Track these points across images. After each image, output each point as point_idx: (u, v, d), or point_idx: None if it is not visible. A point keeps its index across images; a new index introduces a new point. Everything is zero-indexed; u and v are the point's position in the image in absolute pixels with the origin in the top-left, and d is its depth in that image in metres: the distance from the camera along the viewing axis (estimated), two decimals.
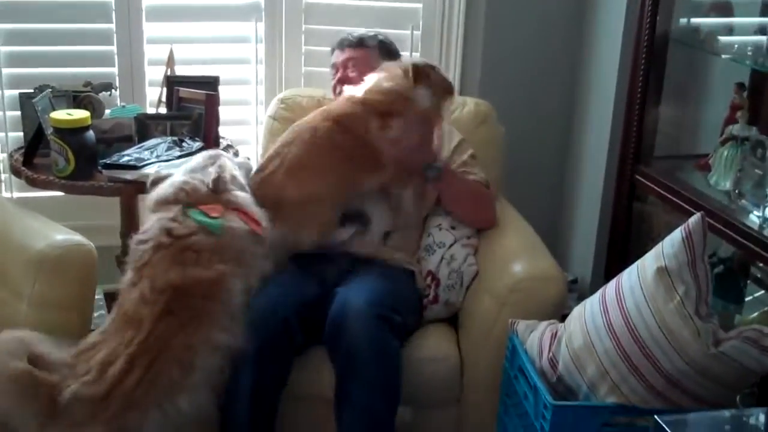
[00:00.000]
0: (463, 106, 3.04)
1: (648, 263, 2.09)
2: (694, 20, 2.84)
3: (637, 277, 2.10)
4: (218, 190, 2.39)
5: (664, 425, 1.68)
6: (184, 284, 2.21)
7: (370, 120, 2.55)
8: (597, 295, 2.21)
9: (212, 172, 2.42)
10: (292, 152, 2.55)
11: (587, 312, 2.19)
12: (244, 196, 2.45)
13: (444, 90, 2.65)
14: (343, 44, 2.92)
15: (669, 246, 2.06)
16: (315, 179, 2.54)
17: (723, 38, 2.74)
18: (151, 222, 2.36)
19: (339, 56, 2.92)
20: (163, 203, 2.38)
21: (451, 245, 2.63)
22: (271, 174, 2.56)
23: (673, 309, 2.00)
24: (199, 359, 2.20)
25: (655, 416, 1.72)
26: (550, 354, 2.22)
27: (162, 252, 2.26)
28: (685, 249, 2.02)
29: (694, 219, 2.04)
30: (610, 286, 2.19)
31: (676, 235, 2.06)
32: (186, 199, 2.37)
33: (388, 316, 2.34)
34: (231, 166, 2.50)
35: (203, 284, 2.23)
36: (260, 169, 2.60)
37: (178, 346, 2.17)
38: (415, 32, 3.27)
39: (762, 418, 1.83)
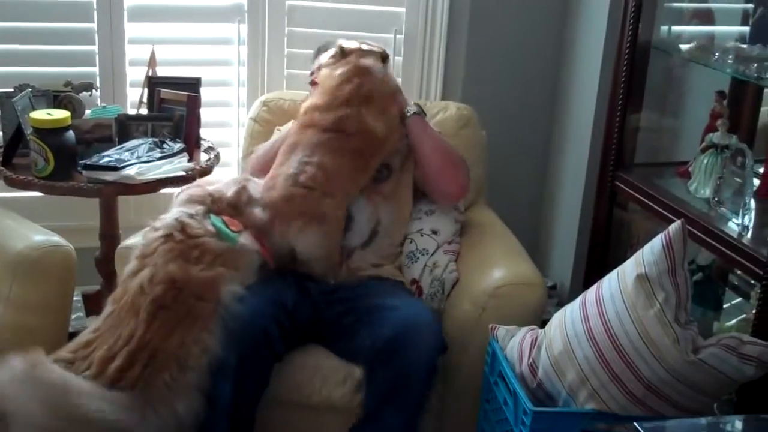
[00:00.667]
0: (446, 110, 3.05)
1: (628, 270, 2.10)
2: (676, 28, 2.86)
3: (617, 284, 2.10)
4: (239, 203, 2.43)
5: None
6: (182, 279, 2.22)
7: (361, 111, 2.57)
8: (577, 302, 2.22)
9: (234, 188, 2.46)
10: (325, 162, 2.51)
11: (567, 318, 2.20)
12: (263, 221, 2.46)
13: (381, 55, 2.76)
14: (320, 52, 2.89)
15: (649, 253, 2.07)
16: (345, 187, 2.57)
17: (704, 46, 2.75)
18: (170, 213, 2.38)
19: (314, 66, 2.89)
20: (190, 201, 2.41)
21: (433, 252, 2.64)
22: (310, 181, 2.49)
23: (652, 316, 2.00)
24: (192, 359, 2.19)
25: (635, 423, 1.72)
26: (530, 360, 2.22)
27: (170, 244, 2.28)
28: (665, 256, 2.03)
29: (675, 226, 2.05)
30: (590, 293, 2.19)
31: (657, 242, 2.06)
32: (210, 204, 2.40)
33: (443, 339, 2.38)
34: (256, 191, 2.51)
35: (199, 283, 2.24)
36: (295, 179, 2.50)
37: (174, 344, 2.17)
38: (398, 36, 3.27)
39: (739, 425, 1.85)
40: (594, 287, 2.20)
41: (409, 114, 2.69)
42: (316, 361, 2.43)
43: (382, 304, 2.43)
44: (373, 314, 2.39)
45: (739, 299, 2.70)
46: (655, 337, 1.99)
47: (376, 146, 2.60)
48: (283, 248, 2.49)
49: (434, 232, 2.68)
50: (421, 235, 2.67)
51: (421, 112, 2.72)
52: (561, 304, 2.75)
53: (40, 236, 2.44)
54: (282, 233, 2.47)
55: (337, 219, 2.53)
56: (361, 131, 2.56)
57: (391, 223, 2.68)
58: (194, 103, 2.98)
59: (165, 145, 2.84)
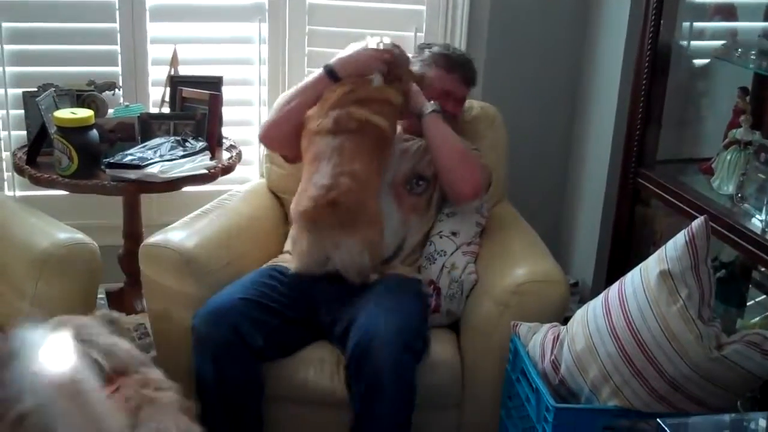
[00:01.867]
0: (470, 110, 3.03)
1: (651, 266, 2.09)
2: (698, 24, 2.85)
3: (640, 280, 2.10)
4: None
5: (666, 428, 1.68)
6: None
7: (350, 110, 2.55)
8: (599, 298, 2.22)
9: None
10: (356, 170, 2.47)
11: (590, 315, 2.19)
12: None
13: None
14: (458, 71, 2.85)
15: (672, 249, 2.06)
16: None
17: (726, 42, 2.74)
18: None
19: (446, 80, 2.83)
20: None
21: (452, 253, 2.63)
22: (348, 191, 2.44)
23: (675, 312, 2.00)
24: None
25: (658, 420, 1.72)
26: (553, 356, 2.22)
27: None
28: (688, 252, 2.02)
29: (698, 222, 2.04)
30: (613, 289, 2.19)
31: (680, 238, 2.06)
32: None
33: (412, 345, 2.31)
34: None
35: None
36: (330, 188, 2.42)
37: None
38: (418, 34, 3.27)
39: (763, 422, 1.83)
40: (616, 284, 2.20)
41: (427, 112, 2.66)
42: (321, 355, 2.44)
43: (358, 306, 2.40)
44: (359, 313, 2.36)
45: (763, 296, 2.68)
46: (677, 333, 1.99)
47: (384, 137, 2.58)
48: (319, 258, 2.48)
49: (453, 234, 2.67)
50: (441, 237, 2.66)
51: (439, 110, 2.68)
52: (583, 301, 2.74)
53: (64, 234, 2.46)
54: (318, 244, 2.46)
55: (376, 218, 2.50)
56: (362, 127, 2.53)
57: (416, 240, 2.68)
58: (216, 102, 3.00)
59: (187, 144, 2.85)
